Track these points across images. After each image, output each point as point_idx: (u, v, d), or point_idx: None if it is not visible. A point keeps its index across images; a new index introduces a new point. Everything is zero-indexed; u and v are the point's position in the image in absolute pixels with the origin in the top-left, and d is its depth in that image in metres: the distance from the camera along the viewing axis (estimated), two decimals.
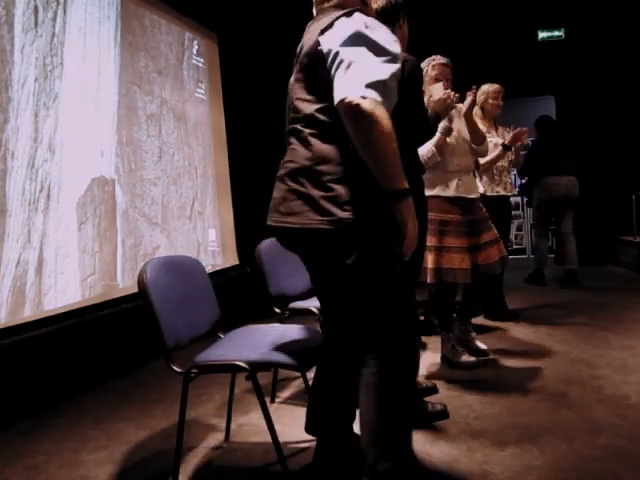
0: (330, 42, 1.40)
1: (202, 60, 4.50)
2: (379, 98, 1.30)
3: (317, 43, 1.43)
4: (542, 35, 6.16)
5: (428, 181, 2.62)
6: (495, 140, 3.49)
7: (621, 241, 5.92)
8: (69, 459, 2.06)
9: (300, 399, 2.50)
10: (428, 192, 2.66)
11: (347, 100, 1.30)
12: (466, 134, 2.75)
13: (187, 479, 1.85)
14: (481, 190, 3.41)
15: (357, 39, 1.35)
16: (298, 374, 2.54)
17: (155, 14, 3.85)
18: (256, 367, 1.67)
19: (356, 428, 1.66)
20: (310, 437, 1.74)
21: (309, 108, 1.47)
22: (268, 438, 1.70)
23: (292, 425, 2.19)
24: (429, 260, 2.65)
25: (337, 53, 1.36)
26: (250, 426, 2.25)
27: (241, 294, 4.09)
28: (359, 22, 1.39)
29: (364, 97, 1.29)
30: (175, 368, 1.69)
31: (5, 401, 2.41)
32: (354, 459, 1.59)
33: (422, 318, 3.49)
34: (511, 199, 3.96)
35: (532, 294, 4.62)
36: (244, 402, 2.49)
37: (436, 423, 2.13)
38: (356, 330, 1.53)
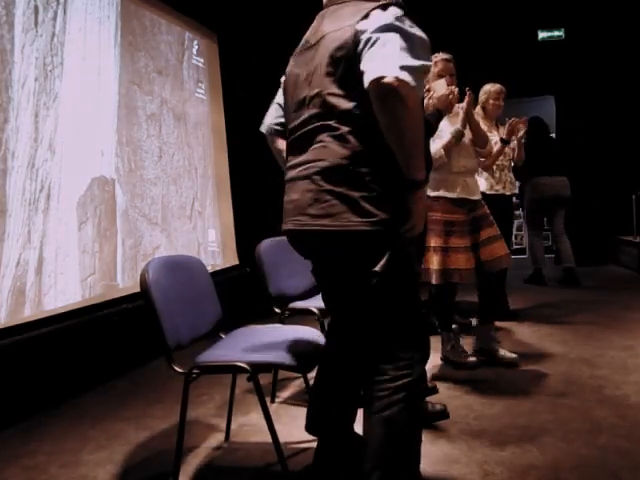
0: (365, 29, 1.34)
1: (202, 60, 4.50)
2: (413, 83, 1.25)
3: (356, 34, 1.34)
4: (542, 35, 6.16)
5: (433, 181, 2.61)
6: (496, 139, 3.49)
7: (621, 241, 5.92)
8: (69, 459, 2.06)
9: (300, 399, 2.50)
10: (432, 193, 2.65)
11: (382, 80, 1.23)
12: (470, 134, 2.74)
13: (187, 479, 1.85)
14: (482, 188, 3.40)
15: (393, 28, 1.31)
16: (298, 374, 2.54)
17: (155, 14, 3.85)
18: (257, 368, 1.67)
19: (357, 428, 1.67)
20: (310, 437, 1.74)
21: (345, 104, 1.38)
22: (268, 438, 1.70)
23: (292, 425, 2.19)
24: (434, 261, 2.64)
25: (371, 36, 1.31)
26: (250, 426, 2.25)
27: (241, 294, 4.09)
28: (396, 15, 1.34)
29: (399, 79, 1.23)
30: (177, 368, 1.69)
31: (5, 401, 2.41)
32: (354, 459, 1.58)
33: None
34: (513, 198, 3.95)
35: (532, 294, 4.63)
36: (244, 402, 2.49)
37: (436, 423, 2.13)
38: (372, 333, 1.48)
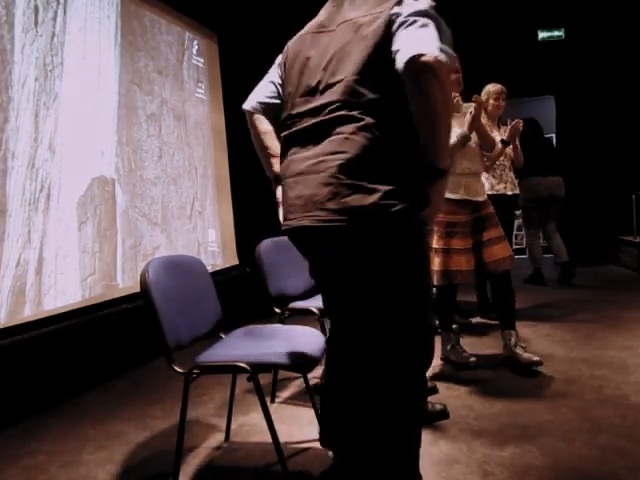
0: (400, 12, 1.30)
1: (202, 60, 4.50)
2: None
3: (390, 17, 1.29)
4: (542, 35, 6.16)
5: None
6: (496, 140, 3.49)
7: (621, 241, 5.92)
8: (69, 459, 2.06)
9: (300, 399, 2.50)
10: None
11: (422, 58, 1.19)
12: (477, 138, 2.74)
13: (187, 479, 1.85)
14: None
15: (430, 15, 1.29)
16: (298, 374, 2.54)
17: (155, 14, 3.85)
18: (257, 368, 1.67)
19: None
20: (310, 437, 1.74)
21: (371, 94, 1.32)
22: (268, 438, 1.70)
23: (292, 425, 2.19)
24: (436, 262, 2.65)
25: (407, 19, 1.27)
26: (250, 426, 2.25)
27: (241, 294, 4.09)
28: (430, 4, 1.32)
29: (439, 59, 1.19)
30: (177, 368, 1.68)
31: (5, 401, 2.41)
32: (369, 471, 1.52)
33: None
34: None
35: (532, 294, 4.62)
36: (244, 402, 2.49)
37: (436, 423, 2.13)
38: (385, 333, 1.43)
